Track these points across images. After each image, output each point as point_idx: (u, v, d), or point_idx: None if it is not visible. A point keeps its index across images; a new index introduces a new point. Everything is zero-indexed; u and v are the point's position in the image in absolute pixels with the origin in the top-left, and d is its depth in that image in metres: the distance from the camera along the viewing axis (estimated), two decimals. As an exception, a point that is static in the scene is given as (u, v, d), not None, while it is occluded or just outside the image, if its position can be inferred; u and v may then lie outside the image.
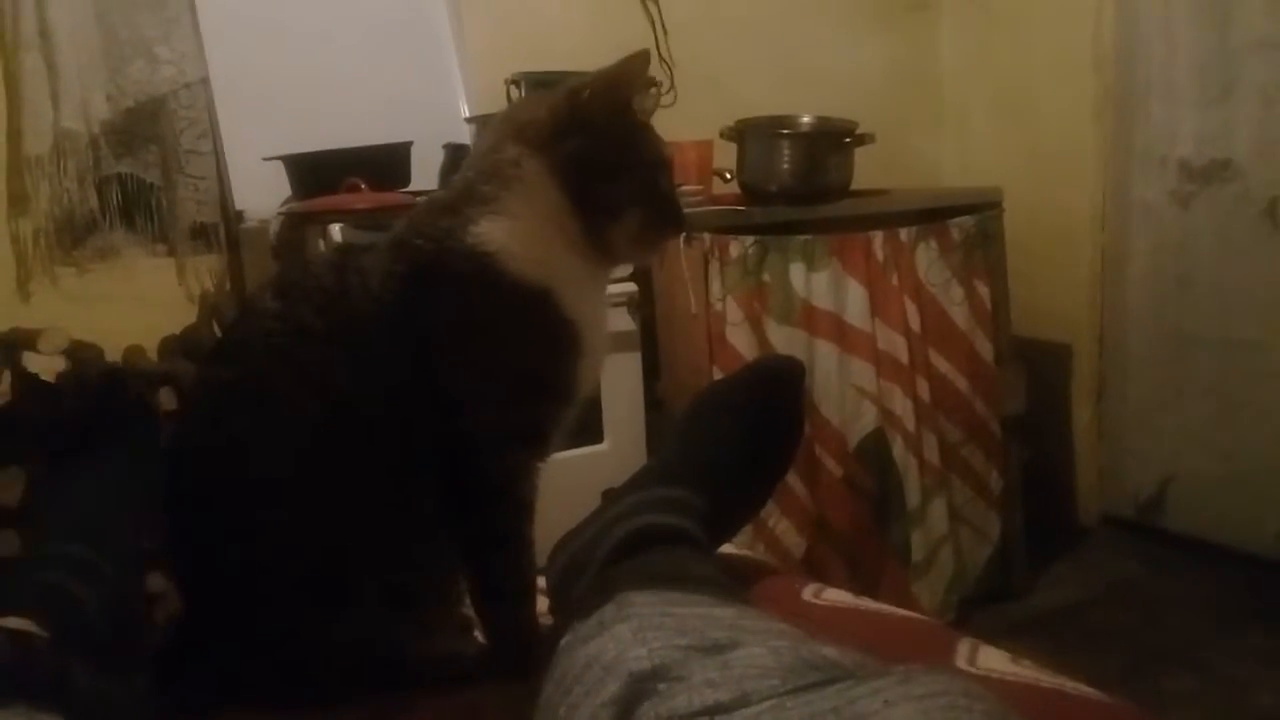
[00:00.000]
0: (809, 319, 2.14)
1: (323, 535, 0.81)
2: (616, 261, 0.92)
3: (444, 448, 0.83)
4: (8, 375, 1.80)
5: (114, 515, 0.87)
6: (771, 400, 0.99)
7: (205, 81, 2.14)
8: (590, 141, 0.88)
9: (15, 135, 2.03)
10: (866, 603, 0.92)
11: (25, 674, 0.68)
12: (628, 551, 0.83)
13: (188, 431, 0.87)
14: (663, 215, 0.90)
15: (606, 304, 0.95)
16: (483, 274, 0.84)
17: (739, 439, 0.96)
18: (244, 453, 0.82)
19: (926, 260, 2.26)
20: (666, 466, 0.95)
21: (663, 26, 2.63)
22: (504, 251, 0.84)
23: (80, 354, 1.91)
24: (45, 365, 1.83)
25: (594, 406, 1.97)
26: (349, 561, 0.82)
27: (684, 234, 0.91)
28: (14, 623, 0.74)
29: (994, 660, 0.79)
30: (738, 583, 0.84)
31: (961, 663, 0.78)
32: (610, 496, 0.94)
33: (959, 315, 2.31)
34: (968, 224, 2.32)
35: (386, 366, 0.83)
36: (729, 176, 2.34)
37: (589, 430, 1.98)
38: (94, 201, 2.09)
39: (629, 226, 0.88)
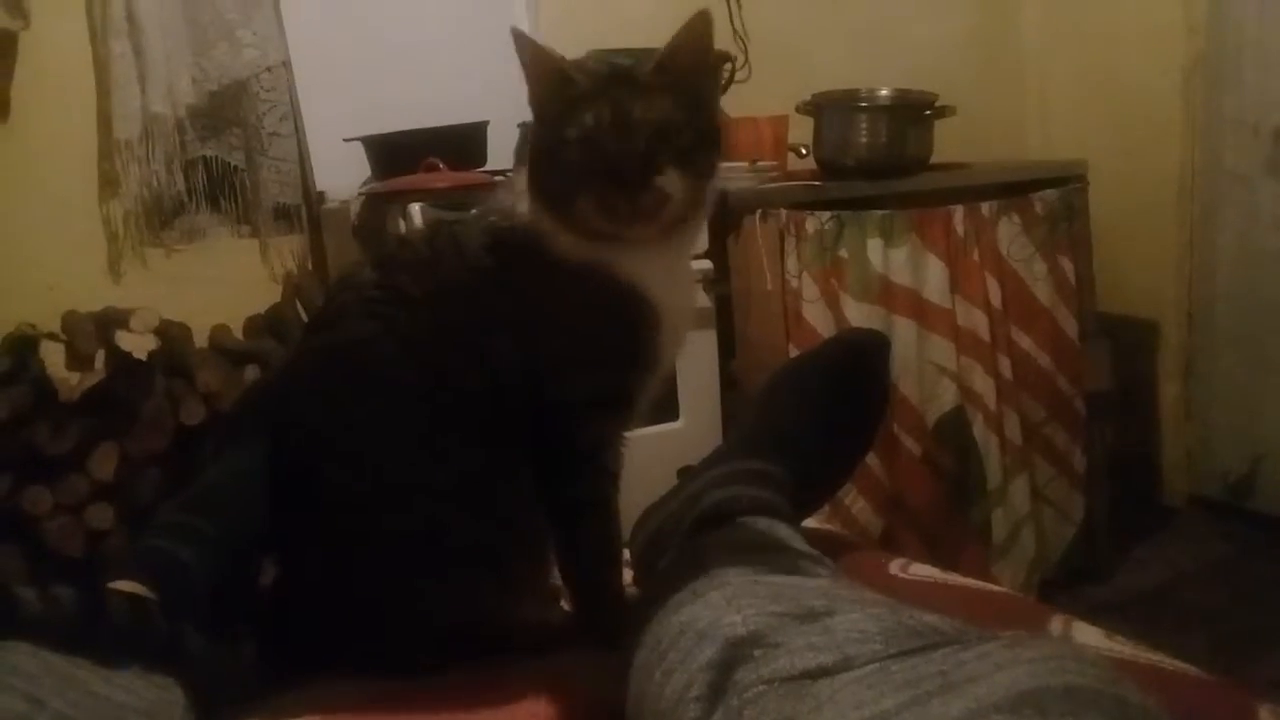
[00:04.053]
0: (887, 295, 2.11)
1: (418, 501, 0.82)
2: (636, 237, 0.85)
3: (533, 414, 0.84)
4: (102, 353, 1.85)
5: (225, 485, 0.89)
6: (855, 373, 0.97)
7: (286, 64, 2.18)
8: (536, 119, 0.87)
9: (105, 120, 2.08)
10: (954, 577, 0.91)
11: (140, 637, 0.70)
12: (714, 523, 0.83)
13: (289, 398, 0.89)
14: (603, 198, 0.82)
15: (689, 273, 0.94)
16: (537, 250, 0.85)
17: (822, 412, 0.95)
18: (344, 418, 0.84)
19: (1008, 235, 2.21)
20: (749, 439, 0.95)
21: (738, 3, 2.60)
22: (545, 232, 0.85)
23: (170, 333, 1.96)
24: (137, 343, 1.88)
25: (669, 384, 1.96)
26: (442, 528, 0.83)
27: (636, 218, 0.81)
28: (126, 586, 0.77)
29: (1088, 636, 0.78)
30: (824, 555, 0.83)
31: (1055, 634, 0.76)
32: (691, 471, 0.94)
33: (1042, 291, 2.26)
34: (1051, 197, 2.26)
35: (478, 333, 0.84)
36: (805, 151, 2.32)
37: (664, 408, 1.98)
38: (181, 184, 2.15)
39: (585, 212, 0.83)
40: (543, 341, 0.84)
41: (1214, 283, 2.65)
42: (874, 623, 0.56)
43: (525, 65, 0.86)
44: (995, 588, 0.89)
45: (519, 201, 0.87)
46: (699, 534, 0.83)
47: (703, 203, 0.86)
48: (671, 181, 0.82)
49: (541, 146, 0.86)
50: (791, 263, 2.05)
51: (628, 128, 0.82)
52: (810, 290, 2.07)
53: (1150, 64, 2.70)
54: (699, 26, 0.85)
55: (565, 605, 0.91)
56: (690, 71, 0.85)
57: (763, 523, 0.83)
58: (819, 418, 0.95)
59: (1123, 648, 0.76)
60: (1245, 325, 2.59)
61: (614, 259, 0.84)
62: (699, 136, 0.85)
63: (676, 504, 0.90)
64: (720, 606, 0.63)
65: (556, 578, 0.90)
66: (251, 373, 1.99)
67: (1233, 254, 2.60)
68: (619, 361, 0.86)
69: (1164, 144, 2.68)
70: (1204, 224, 2.65)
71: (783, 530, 0.83)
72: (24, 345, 1.85)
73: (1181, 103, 2.64)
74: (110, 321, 1.90)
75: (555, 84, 0.85)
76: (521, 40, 0.86)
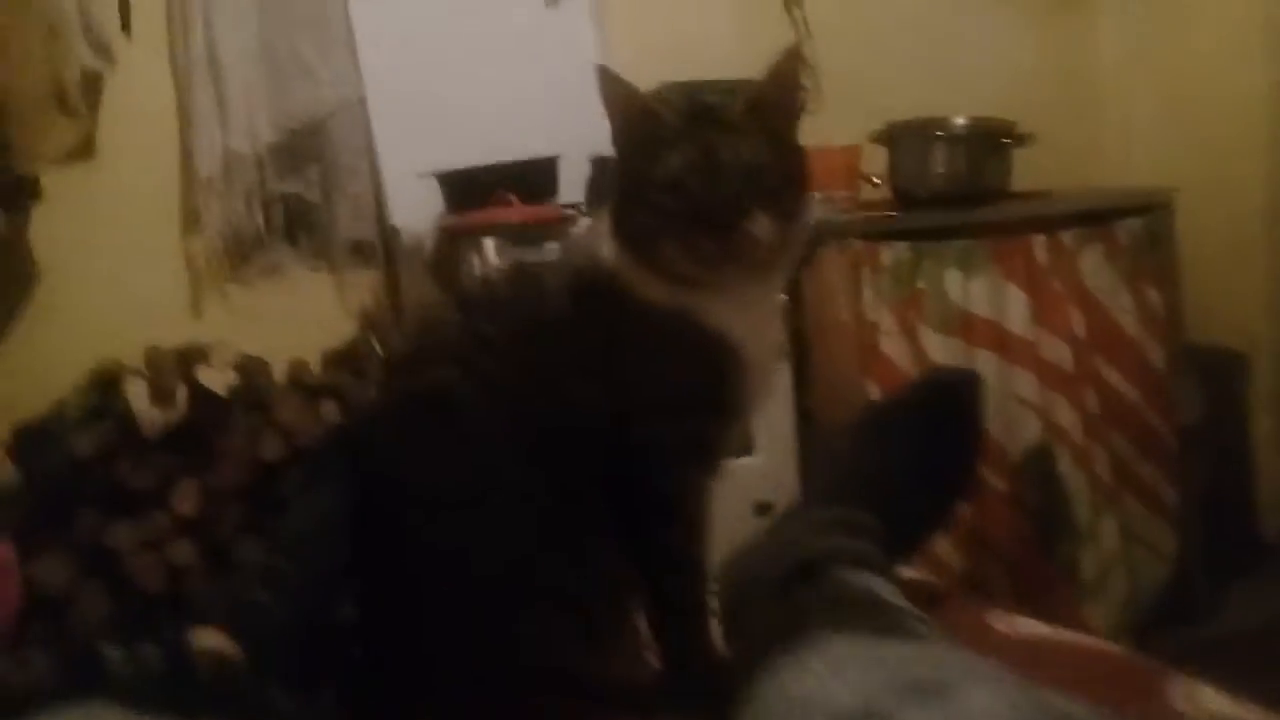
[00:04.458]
0: (967, 327, 2.06)
1: (503, 548, 0.81)
2: (721, 282, 0.83)
3: (616, 462, 0.82)
4: (184, 389, 1.87)
5: (310, 529, 0.88)
6: (948, 414, 0.94)
7: (362, 101, 2.20)
8: (620, 158, 0.85)
9: (187, 157, 2.12)
10: (1063, 633, 0.86)
11: (226, 696, 0.69)
12: (808, 577, 0.80)
13: (373, 442, 0.88)
14: (691, 242, 0.80)
15: (775, 319, 0.92)
16: (616, 294, 0.83)
17: (915, 456, 0.92)
18: (427, 463, 0.82)
19: (1092, 265, 2.15)
20: (839, 484, 0.92)
21: (807, 29, 2.57)
22: (628, 277, 0.84)
23: (249, 368, 1.98)
24: (217, 379, 1.90)
25: (743, 418, 1.94)
26: (527, 577, 0.81)
27: (725, 263, 0.80)
28: (209, 637, 0.76)
29: (1215, 702, 0.73)
30: (923, 609, 0.79)
31: (1180, 703, 0.72)
32: (779, 516, 0.91)
33: (1128, 322, 2.18)
34: (1135, 226, 2.19)
35: (561, 379, 0.83)
36: (877, 182, 2.28)
37: (738, 441, 1.95)
38: (260, 220, 2.17)
39: (671, 256, 0.81)
40: (626, 388, 0.82)
41: (1308, 312, 2.54)
42: (1006, 706, 0.52)
43: (608, 102, 0.85)
44: (1108, 646, 0.84)
45: (602, 244, 0.86)
46: (793, 589, 0.80)
47: (791, 245, 0.84)
48: (761, 225, 0.80)
49: (626, 188, 0.85)
50: (868, 294, 2.01)
51: (717, 170, 0.80)
52: (887, 322, 2.03)
53: (1233, 86, 2.61)
54: (789, 65, 0.83)
55: (655, 660, 0.89)
56: (779, 111, 0.84)
57: (860, 578, 0.79)
58: (912, 462, 0.92)
59: (1253, 715, 0.71)
60: (1342, 356, 2.48)
61: (699, 304, 0.83)
62: (787, 178, 0.83)
63: (765, 553, 0.87)
64: (824, 676, 0.60)
65: (646, 631, 0.87)
66: (329, 408, 1.99)
67: (1328, 282, 2.49)
68: (703, 409, 0.84)
69: (1250, 168, 2.58)
70: (1296, 250, 2.55)
71: (880, 585, 0.79)
72: (108, 381, 1.87)
73: (1267, 125, 2.55)
74: (191, 357, 1.92)
75: (642, 123, 0.84)
76: (607, 77, 0.85)
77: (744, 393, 0.85)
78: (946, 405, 0.95)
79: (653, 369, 0.83)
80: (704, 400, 0.83)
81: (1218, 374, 2.55)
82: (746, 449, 1.96)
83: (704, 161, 0.80)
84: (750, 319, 0.85)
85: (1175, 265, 2.26)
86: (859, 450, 0.94)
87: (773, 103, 0.84)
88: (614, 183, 0.87)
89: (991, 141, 2.11)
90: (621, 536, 0.83)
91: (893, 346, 2.03)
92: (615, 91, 0.85)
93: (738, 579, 0.89)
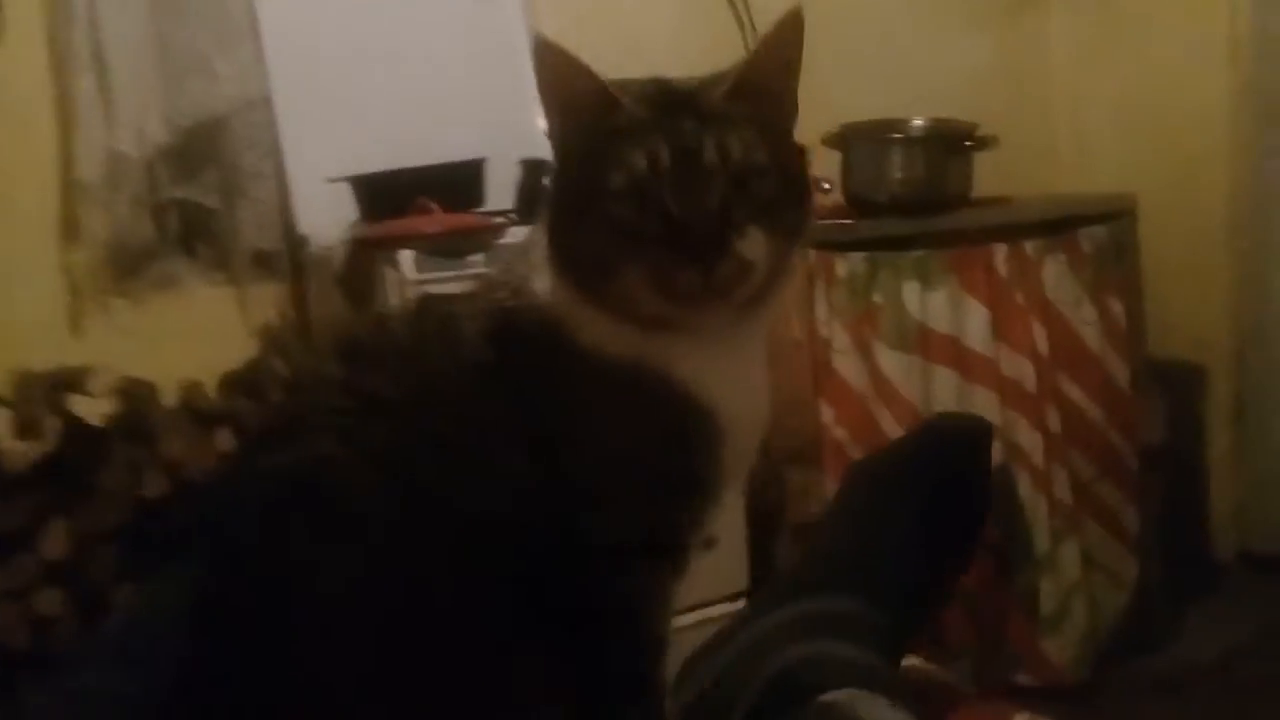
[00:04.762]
0: (925, 343, 1.94)
1: (401, 680, 0.61)
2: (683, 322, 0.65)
3: (553, 563, 0.63)
4: (54, 419, 1.67)
5: (142, 641, 0.69)
6: (953, 471, 0.77)
7: (267, 99, 2.00)
8: (561, 159, 0.67)
9: (67, 160, 1.91)
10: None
11: None
12: (792, 697, 0.63)
13: (229, 540, 0.67)
14: (662, 270, 0.62)
15: (761, 369, 0.73)
16: (554, 342, 0.65)
17: (916, 524, 0.74)
18: (299, 567, 0.62)
19: (1054, 276, 2.04)
20: (827, 564, 0.74)
21: (751, 25, 2.43)
22: (571, 318, 0.65)
23: (133, 393, 1.78)
24: (94, 408, 1.70)
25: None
26: (433, 714, 0.62)
27: (707, 296, 0.62)
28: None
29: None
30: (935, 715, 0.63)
31: None
32: (753, 601, 0.74)
33: (1091, 336, 2.08)
34: (1099, 234, 2.09)
35: (479, 454, 0.64)
36: (827, 187, 2.14)
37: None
38: (150, 229, 1.96)
39: (633, 290, 0.63)
40: (565, 466, 0.63)
41: (1267, 323, 2.47)
42: None
43: (548, 85, 0.66)
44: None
45: (535, 274, 0.67)
46: (772, 710, 0.63)
47: (788, 272, 0.66)
48: (754, 244, 0.63)
49: (570, 199, 0.66)
50: (821, 309, 1.87)
51: (696, 172, 0.62)
52: (841, 339, 1.90)
53: (1193, 91, 2.53)
54: (789, 34, 0.65)
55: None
56: (774, 95, 0.66)
57: (858, 704, 0.62)
58: (912, 531, 0.74)
59: None
60: (1302, 369, 2.41)
61: (665, 354, 0.64)
62: (787, 181, 0.65)
63: (737, 652, 0.70)
64: None
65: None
66: (224, 437, 1.80)
67: (1287, 292, 2.41)
68: (668, 493, 0.65)
69: (1210, 174, 2.51)
70: (1256, 260, 2.47)
71: (880, 712, 0.62)
72: (-33, 412, 1.66)
73: (1228, 130, 2.47)
74: (64, 384, 1.71)
75: (594, 112, 0.65)
76: (547, 51, 0.65)
77: (720, 467, 0.67)
78: (951, 460, 0.78)
79: (602, 440, 0.64)
80: (669, 479, 0.65)
81: (1175, 389, 2.47)
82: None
83: (679, 161, 0.62)
84: (731, 371, 0.67)
85: (1139, 276, 2.17)
86: (850, 516, 0.76)
87: (766, 84, 0.66)
88: (553, 193, 0.69)
89: (952, 145, 1.98)
90: (558, 657, 0.64)
91: (847, 365, 1.90)
92: (559, 70, 0.65)
93: (699, 682, 0.71)
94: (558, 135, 0.67)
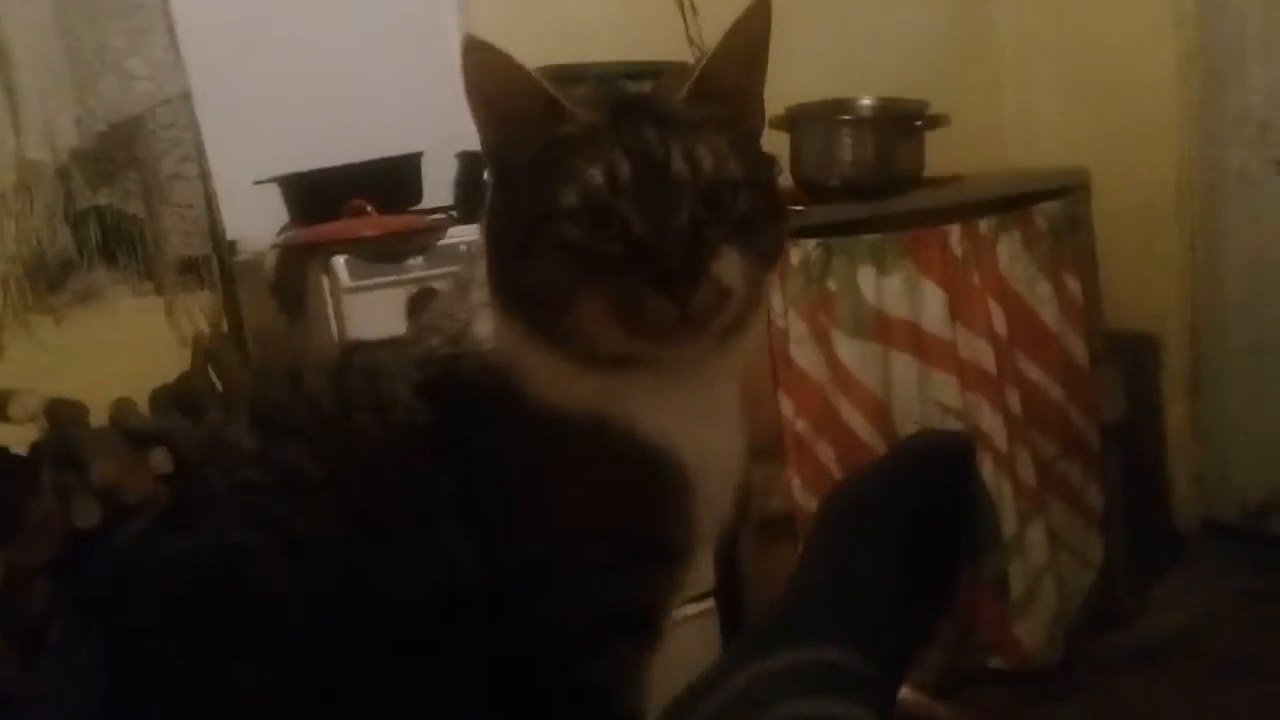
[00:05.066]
0: (882, 329, 1.89)
1: None
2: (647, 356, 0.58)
3: (509, 645, 0.56)
4: (-27, 448, 1.57)
5: None
6: (937, 494, 0.71)
7: (186, 96, 1.90)
8: (498, 176, 0.59)
9: (-28, 170, 1.79)
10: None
11: None
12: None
13: (132, 635, 0.58)
14: (627, 301, 0.55)
15: (733, 402, 0.64)
16: (504, 394, 0.57)
17: (902, 555, 0.68)
18: (208, 669, 0.54)
19: (1010, 254, 2.00)
20: (809, 609, 0.67)
21: (691, 6, 2.37)
22: (518, 365, 0.57)
23: (59, 415, 1.68)
24: (18, 434, 1.60)
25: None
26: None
27: (679, 330, 0.55)
28: None
29: None
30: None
31: None
32: (736, 643, 0.67)
33: (1048, 314, 2.04)
34: (1053, 210, 2.05)
35: (412, 535, 0.56)
36: (778, 169, 2.08)
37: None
38: (68, 239, 1.86)
39: (583, 320, 0.56)
40: (515, 536, 0.56)
41: (1221, 293, 2.46)
42: None
43: (480, 92, 0.57)
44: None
45: (475, 316, 0.59)
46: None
47: (764, 300, 0.60)
48: (730, 267, 0.56)
49: (512, 221, 0.58)
50: (775, 299, 1.81)
51: (663, 185, 0.55)
52: (798, 328, 1.84)
53: (1138, 60, 2.51)
54: (755, 25, 0.58)
55: None
56: (741, 97, 0.59)
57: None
58: (899, 563, 0.68)
59: None
60: (1256, 337, 2.40)
61: (627, 401, 0.57)
62: (761, 196, 0.58)
63: (726, 704, 0.62)
64: None
65: None
66: (159, 457, 1.70)
67: (1240, 261, 2.40)
68: (634, 561, 0.58)
69: (1159, 146, 2.49)
70: (1206, 229, 2.46)
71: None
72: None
73: (1176, 101, 2.45)
74: (-17, 409, 1.61)
75: (533, 119, 0.57)
76: (479, 53, 0.56)
77: (692, 526, 0.60)
78: (935, 483, 0.71)
79: (557, 506, 0.57)
80: (635, 545, 0.58)
81: (1130, 360, 2.45)
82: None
83: (642, 173, 0.55)
84: (701, 414, 0.60)
85: (1093, 250, 2.14)
86: (831, 554, 0.70)
87: (731, 84, 0.59)
88: (492, 217, 0.60)
89: (902, 125, 1.92)
90: None
91: (804, 355, 1.84)
92: (492, 73, 0.57)
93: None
94: (493, 148, 0.59)
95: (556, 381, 0.57)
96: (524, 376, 0.57)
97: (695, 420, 0.59)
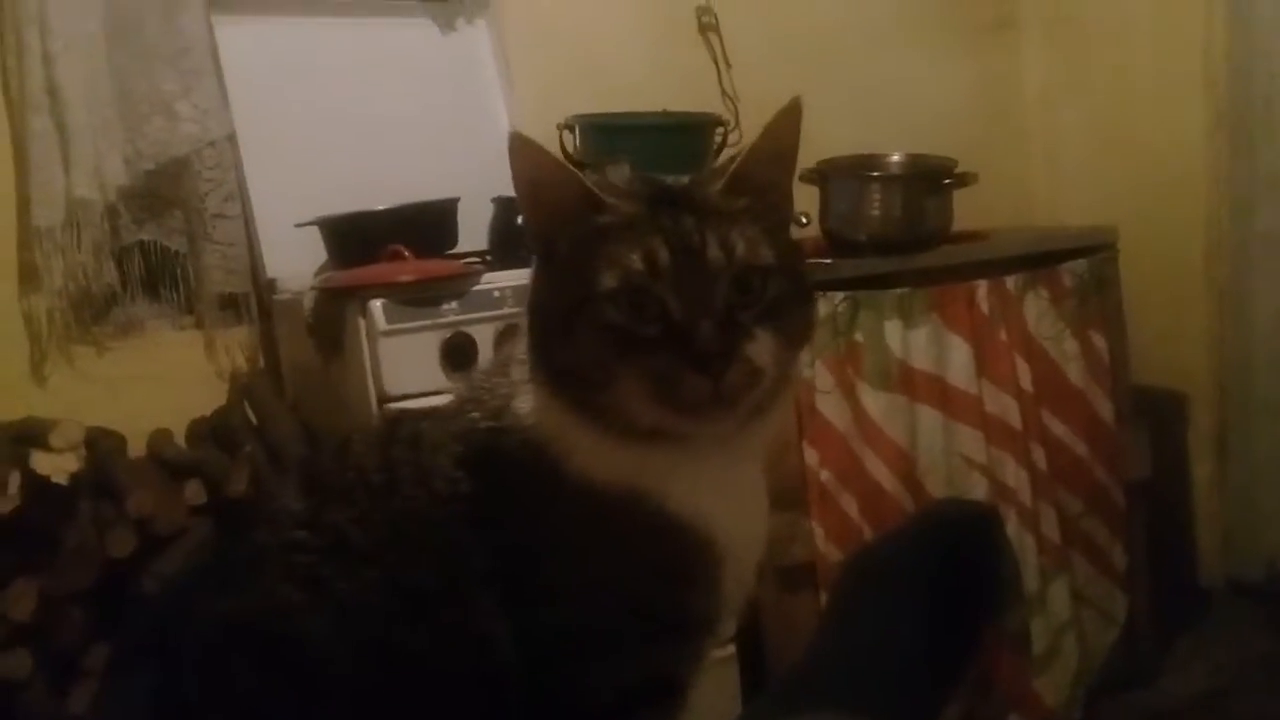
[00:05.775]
0: (908, 382, 1.91)
1: None
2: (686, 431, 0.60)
3: (541, 715, 0.58)
4: (17, 476, 1.60)
5: None
6: (958, 566, 0.73)
7: (231, 139, 1.95)
8: (543, 262, 0.62)
9: (24, 205, 1.85)
10: None
11: None
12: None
13: (180, 695, 0.61)
14: (665, 380, 0.57)
15: (759, 479, 0.67)
16: (543, 468, 0.59)
17: (919, 626, 0.69)
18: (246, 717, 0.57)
19: (1036, 311, 2.01)
20: (829, 677, 0.69)
21: (725, 60, 2.42)
22: (557, 440, 0.60)
23: (99, 445, 1.72)
24: (58, 464, 1.63)
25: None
26: None
27: (713, 407, 0.57)
28: None
29: None
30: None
31: None
32: (751, 709, 0.69)
33: (1074, 371, 2.05)
34: (1080, 268, 2.06)
35: (452, 602, 0.58)
36: (805, 220, 2.10)
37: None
38: (113, 274, 1.91)
39: (621, 396, 0.59)
40: (548, 606, 0.58)
41: (1248, 352, 2.45)
42: None
43: (525, 181, 0.61)
44: None
45: (516, 392, 0.62)
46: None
47: (793, 379, 0.62)
48: (763, 349, 0.59)
49: (554, 303, 0.61)
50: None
51: (699, 271, 0.58)
52: (824, 379, 1.86)
53: (1168, 120, 2.53)
54: (787, 124, 0.61)
55: None
56: (772, 189, 0.62)
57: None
58: (919, 641, 0.69)
59: None
60: (1284, 397, 2.40)
61: (659, 476, 0.59)
62: (792, 281, 0.61)
63: None
64: None
65: None
66: (194, 489, 1.74)
67: (1268, 320, 2.41)
68: (664, 632, 0.60)
69: (1187, 205, 2.50)
70: (1234, 289, 2.46)
71: None
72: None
73: (1204, 161, 2.46)
74: (27, 438, 1.65)
75: (575, 208, 0.60)
76: (523, 146, 0.60)
77: (720, 599, 0.62)
78: (954, 553, 0.73)
79: (591, 577, 0.59)
80: (665, 618, 0.60)
81: (1157, 417, 2.45)
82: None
83: (679, 259, 0.58)
84: (729, 489, 0.62)
85: (1121, 309, 2.15)
86: (851, 623, 0.72)
87: (764, 177, 0.63)
88: (535, 298, 0.63)
89: (931, 182, 1.95)
90: None
91: (830, 406, 1.86)
92: (535, 166, 0.60)
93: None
94: (537, 233, 0.63)
95: (594, 456, 0.59)
96: (563, 451, 0.59)
97: (724, 496, 0.62)
